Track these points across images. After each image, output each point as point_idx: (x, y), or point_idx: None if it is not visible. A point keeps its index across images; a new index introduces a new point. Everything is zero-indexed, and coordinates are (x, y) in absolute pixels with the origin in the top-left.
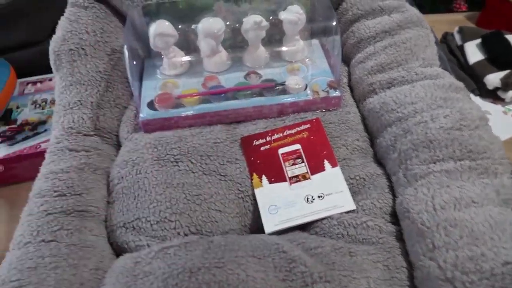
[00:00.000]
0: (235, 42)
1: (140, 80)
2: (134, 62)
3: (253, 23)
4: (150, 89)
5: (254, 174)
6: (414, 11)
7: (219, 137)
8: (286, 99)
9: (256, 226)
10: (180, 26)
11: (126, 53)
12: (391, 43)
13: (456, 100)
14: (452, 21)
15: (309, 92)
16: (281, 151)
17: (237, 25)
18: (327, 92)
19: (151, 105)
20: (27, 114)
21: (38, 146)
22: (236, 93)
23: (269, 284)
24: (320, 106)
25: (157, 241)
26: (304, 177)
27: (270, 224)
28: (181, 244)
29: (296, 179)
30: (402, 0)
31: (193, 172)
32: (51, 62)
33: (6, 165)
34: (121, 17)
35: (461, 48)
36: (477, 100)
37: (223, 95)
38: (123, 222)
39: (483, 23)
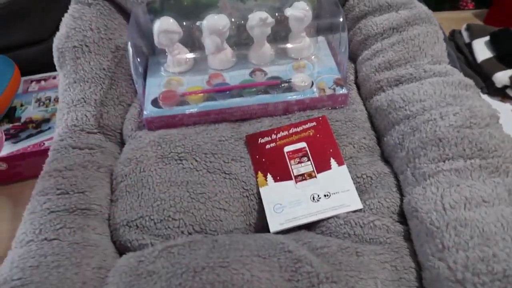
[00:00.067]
0: (240, 39)
1: (144, 77)
2: (138, 59)
3: (259, 19)
4: (154, 87)
5: (259, 172)
6: (422, 8)
7: (224, 135)
8: (292, 96)
9: (261, 225)
10: (184, 23)
11: (130, 50)
12: (399, 40)
13: (465, 97)
14: (460, 19)
15: (315, 89)
16: (286, 149)
17: (242, 22)
18: (334, 89)
19: (155, 102)
20: (31, 112)
21: (42, 144)
22: (241, 90)
23: (275, 284)
24: (326, 103)
25: (160, 240)
26: (310, 175)
27: (275, 223)
28: (185, 243)
29: (301, 177)
30: None
31: (197, 170)
32: (55, 60)
33: (10, 163)
34: (125, 14)
35: (469, 46)
36: (485, 98)
37: (228, 92)
38: (127, 221)
39: (491, 21)
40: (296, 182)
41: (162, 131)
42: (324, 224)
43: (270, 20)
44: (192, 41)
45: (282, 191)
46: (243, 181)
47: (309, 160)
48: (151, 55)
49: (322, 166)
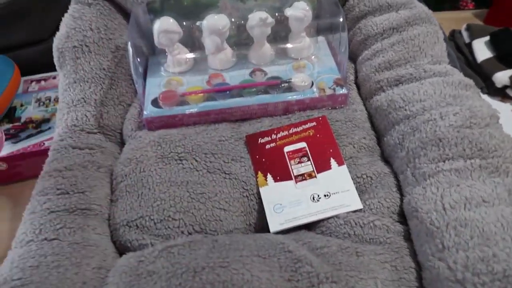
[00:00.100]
0: (240, 39)
1: (144, 77)
2: (138, 59)
3: (259, 19)
4: (154, 87)
5: (259, 172)
6: (422, 8)
7: (224, 135)
8: (292, 96)
9: (261, 225)
10: (184, 23)
11: (130, 50)
12: (399, 40)
13: (465, 97)
14: (459, 19)
15: (315, 89)
16: (286, 149)
17: (242, 22)
18: (334, 89)
19: (155, 102)
20: (31, 112)
21: (42, 144)
22: (241, 90)
23: (275, 284)
24: (326, 103)
25: (160, 240)
26: (310, 175)
27: (275, 223)
28: (185, 243)
29: (301, 177)
30: None
31: (197, 170)
32: (55, 59)
33: (10, 163)
34: (125, 14)
35: (469, 46)
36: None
37: (228, 92)
38: (127, 221)
39: (491, 21)
40: (296, 182)
41: (162, 131)
42: (324, 224)
43: (270, 20)
44: (192, 41)
45: (282, 191)
46: (243, 181)
47: (309, 160)
48: (151, 55)
49: (322, 166)
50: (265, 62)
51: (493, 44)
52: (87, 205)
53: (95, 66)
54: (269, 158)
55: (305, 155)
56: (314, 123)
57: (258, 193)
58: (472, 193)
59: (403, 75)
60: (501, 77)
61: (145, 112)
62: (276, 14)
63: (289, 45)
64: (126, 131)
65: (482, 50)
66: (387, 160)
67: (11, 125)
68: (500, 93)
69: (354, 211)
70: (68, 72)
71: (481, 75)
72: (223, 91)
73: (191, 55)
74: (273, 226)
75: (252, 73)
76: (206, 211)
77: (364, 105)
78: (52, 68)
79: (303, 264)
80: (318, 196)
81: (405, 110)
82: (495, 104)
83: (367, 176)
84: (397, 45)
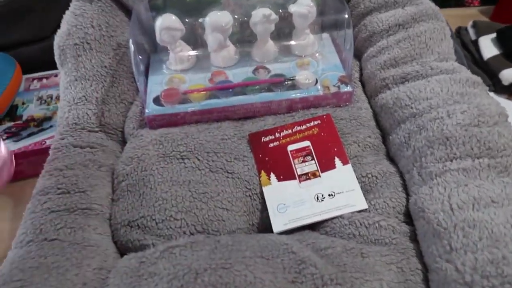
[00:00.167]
0: (243, 36)
1: (146, 75)
2: (140, 57)
3: (262, 16)
4: (156, 84)
5: (263, 171)
6: (429, 4)
7: (227, 133)
8: (296, 94)
9: (264, 225)
10: (187, 20)
11: (132, 47)
12: (405, 37)
13: (473, 95)
14: (465, 16)
15: (319, 87)
16: (290, 148)
17: (245, 18)
18: (338, 87)
19: (157, 100)
20: (32, 110)
21: (44, 142)
22: (244, 88)
23: (278, 286)
24: (330, 101)
25: (162, 240)
26: (314, 175)
27: (278, 223)
28: (187, 243)
29: (305, 177)
30: None
31: (200, 169)
32: (56, 57)
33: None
34: (127, 11)
35: (475, 43)
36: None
37: (230, 90)
38: (128, 221)
39: (497, 17)
40: (300, 182)
41: (164, 129)
42: (329, 224)
43: (274, 16)
44: (194, 38)
45: (286, 190)
46: (246, 181)
47: (313, 159)
48: (153, 52)
49: (326, 165)
50: (269, 60)
51: (499, 41)
52: (88, 205)
53: (96, 63)
54: (273, 157)
55: (309, 154)
56: (318, 122)
57: (261, 193)
58: (481, 193)
59: (409, 73)
60: (508, 75)
61: (146, 110)
62: (280, 10)
63: (293, 42)
64: (128, 130)
65: (488, 47)
66: (392, 159)
67: (12, 123)
68: (507, 91)
69: (359, 211)
70: (69, 70)
71: (488, 73)
72: (226, 89)
73: (193, 53)
74: (277, 226)
75: (255, 70)
76: (209, 211)
77: (369, 103)
78: (54, 66)
79: (307, 266)
80: (322, 195)
81: (411, 108)
82: (502, 102)
83: (372, 176)
84: (403, 42)
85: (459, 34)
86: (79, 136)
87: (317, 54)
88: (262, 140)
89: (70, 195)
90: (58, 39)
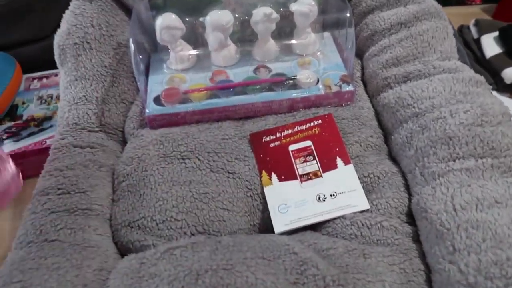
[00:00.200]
0: (244, 35)
1: (147, 74)
2: (140, 56)
3: (263, 15)
4: (156, 84)
5: (264, 171)
6: (431, 2)
7: (227, 133)
8: (297, 94)
9: (265, 226)
10: (187, 19)
11: (132, 47)
12: (407, 36)
13: (476, 94)
14: (468, 14)
15: (320, 86)
16: (291, 147)
17: (246, 17)
18: (340, 86)
19: (157, 100)
20: (32, 109)
21: (44, 142)
22: (245, 88)
23: (279, 287)
24: (332, 101)
25: (163, 240)
26: (316, 175)
27: (280, 223)
28: (188, 244)
29: (307, 177)
30: None
31: (200, 170)
32: (56, 57)
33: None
34: (127, 10)
35: (478, 41)
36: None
37: (231, 90)
38: (128, 221)
39: (499, 16)
40: (302, 182)
41: (164, 129)
42: (330, 224)
43: (275, 15)
44: (195, 38)
45: (287, 191)
46: (247, 181)
47: (314, 159)
48: (154, 52)
49: (328, 165)
50: (270, 59)
51: (502, 39)
52: (88, 205)
53: (96, 63)
54: (274, 157)
55: (311, 154)
56: (320, 121)
57: (263, 193)
58: (484, 193)
59: (412, 72)
60: (510, 73)
61: (147, 110)
62: (281, 9)
63: (294, 41)
64: (128, 129)
65: (491, 46)
66: (394, 159)
67: (12, 123)
68: (509, 90)
69: (361, 212)
70: (69, 70)
71: (490, 71)
72: (227, 88)
73: (194, 52)
74: (278, 227)
75: (256, 70)
76: (209, 212)
77: (371, 102)
78: (54, 65)
79: (309, 267)
80: (324, 196)
81: (414, 107)
82: (504, 100)
83: (374, 176)
84: (405, 40)
85: (461, 33)
86: (79, 136)
87: (319, 53)
88: (263, 140)
89: (70, 195)
90: (58, 38)
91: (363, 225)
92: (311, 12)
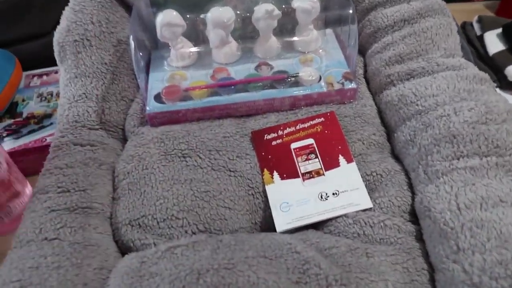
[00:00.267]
0: (245, 32)
1: (147, 72)
2: (141, 54)
3: (265, 12)
4: (157, 81)
5: (265, 169)
6: None
7: (229, 131)
8: (299, 91)
9: (267, 224)
10: (188, 16)
11: (132, 44)
12: (410, 32)
13: (481, 92)
14: (471, 11)
15: (323, 84)
16: (293, 145)
17: (247, 14)
18: (342, 84)
19: (158, 97)
20: (32, 107)
21: (44, 139)
22: (247, 85)
23: (282, 286)
24: (334, 98)
25: (164, 239)
26: (318, 173)
27: (281, 222)
28: (189, 243)
29: (309, 175)
30: None
31: (202, 168)
32: (55, 54)
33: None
34: (127, 7)
35: (481, 38)
36: None
37: (232, 87)
38: (129, 220)
39: (503, 12)
40: (304, 180)
41: (165, 127)
42: (333, 223)
43: (277, 12)
44: (196, 35)
45: (289, 189)
46: (248, 179)
47: (316, 157)
48: (154, 49)
49: (330, 163)
50: (271, 56)
51: (505, 36)
52: (88, 204)
53: (96, 60)
54: (276, 155)
55: (313, 152)
56: (322, 119)
57: (264, 191)
58: (489, 192)
59: (415, 69)
60: None
61: (147, 108)
62: (283, 6)
63: (296, 38)
64: (129, 127)
65: (494, 43)
66: (397, 157)
67: (12, 120)
68: None
69: (364, 210)
70: (69, 67)
71: (493, 68)
72: (228, 85)
73: (195, 49)
74: (280, 226)
75: (257, 67)
76: (211, 210)
77: (374, 100)
78: (54, 62)
79: (311, 266)
80: (326, 194)
81: (417, 105)
82: (508, 98)
83: (377, 174)
84: (408, 37)
85: (464, 30)
86: (79, 134)
87: (321, 50)
88: (265, 137)
89: (70, 193)
90: (58, 35)
91: (365, 223)
92: (313, 9)
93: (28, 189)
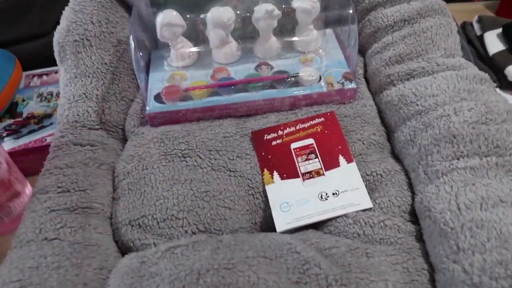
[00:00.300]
0: (245, 32)
1: (147, 72)
2: (141, 54)
3: (265, 12)
4: (157, 81)
5: (265, 169)
6: None
7: (229, 131)
8: (299, 91)
9: (267, 224)
10: (188, 16)
11: (132, 44)
12: (410, 32)
13: (481, 92)
14: (471, 11)
15: (323, 84)
16: (293, 145)
17: (247, 14)
18: (342, 84)
19: (158, 97)
20: (32, 107)
21: (44, 139)
22: (247, 85)
23: (282, 286)
24: (334, 98)
25: (164, 239)
26: (318, 173)
27: (281, 222)
28: (189, 243)
29: (309, 175)
30: None
31: (202, 168)
32: (55, 54)
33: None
34: (127, 7)
35: (481, 38)
36: None
37: (233, 87)
38: (129, 220)
39: (503, 12)
40: (304, 180)
41: (165, 127)
42: (333, 223)
43: (277, 12)
44: (196, 35)
45: (289, 189)
46: (248, 179)
47: (316, 157)
48: (154, 49)
49: (330, 163)
50: (271, 56)
51: (505, 36)
52: (88, 204)
53: (96, 60)
54: (276, 155)
55: (313, 152)
56: (322, 119)
57: (264, 191)
58: (489, 192)
59: (415, 69)
60: None
61: (147, 108)
62: (283, 6)
63: (296, 38)
64: (129, 127)
65: (494, 43)
66: (397, 157)
67: (12, 120)
68: None
69: (364, 210)
70: (69, 67)
71: (493, 68)
72: (228, 85)
73: (195, 49)
74: (280, 226)
75: (257, 67)
76: (211, 210)
77: (374, 100)
78: (54, 62)
79: (312, 266)
80: (326, 194)
81: (417, 105)
82: (508, 98)
83: (377, 174)
84: (408, 37)
85: (464, 30)
86: (79, 134)
87: (321, 50)
88: (265, 138)
89: (70, 193)
90: (58, 35)
91: (365, 223)
92: (313, 9)
93: (28, 189)
